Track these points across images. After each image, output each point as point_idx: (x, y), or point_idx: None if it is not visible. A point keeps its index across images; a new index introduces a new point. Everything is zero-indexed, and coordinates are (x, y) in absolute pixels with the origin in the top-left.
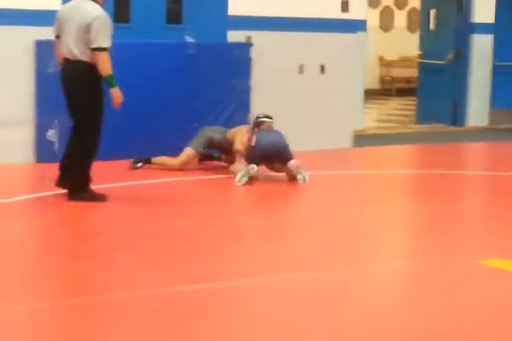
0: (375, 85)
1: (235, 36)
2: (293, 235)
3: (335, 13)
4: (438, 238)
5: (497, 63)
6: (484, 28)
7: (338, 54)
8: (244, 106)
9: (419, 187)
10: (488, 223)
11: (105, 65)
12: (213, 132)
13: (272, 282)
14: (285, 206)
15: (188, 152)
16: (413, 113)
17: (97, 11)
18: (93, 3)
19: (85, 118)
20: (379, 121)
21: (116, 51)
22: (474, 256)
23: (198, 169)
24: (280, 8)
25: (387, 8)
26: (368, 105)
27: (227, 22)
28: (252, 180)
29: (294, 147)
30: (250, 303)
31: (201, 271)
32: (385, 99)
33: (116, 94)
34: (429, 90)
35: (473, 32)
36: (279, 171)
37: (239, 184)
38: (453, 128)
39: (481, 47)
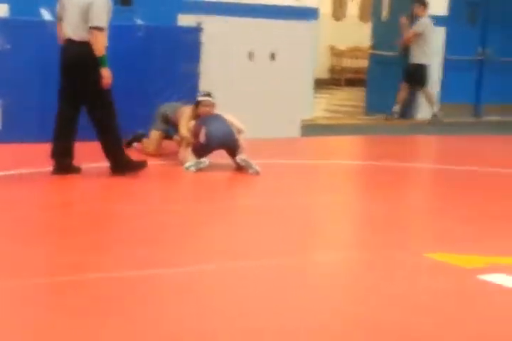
0: (325, 75)
1: (185, 20)
2: (241, 223)
3: (287, 0)
4: (384, 230)
5: (448, 57)
6: (437, 20)
7: (289, 42)
8: (192, 90)
9: (365, 179)
10: (434, 216)
11: (100, 45)
12: (167, 108)
13: (221, 269)
14: (233, 194)
15: (154, 135)
16: (362, 104)
17: None
18: None
19: (100, 95)
20: (327, 111)
21: None
22: (420, 250)
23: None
24: None
25: None
26: (317, 95)
27: (178, 6)
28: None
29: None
30: (198, 289)
31: (148, 256)
32: (335, 89)
33: (106, 73)
34: (379, 81)
35: None
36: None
37: (187, 170)
38: (402, 121)
39: (433, 40)
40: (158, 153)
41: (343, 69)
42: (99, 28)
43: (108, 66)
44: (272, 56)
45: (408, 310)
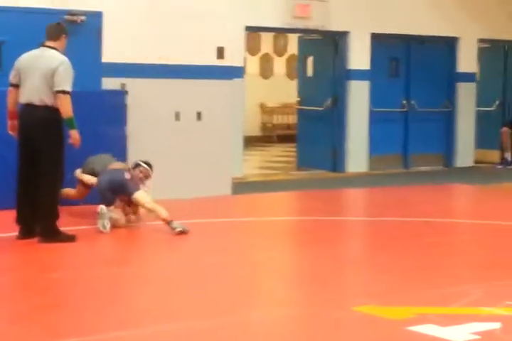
0: (257, 132)
1: (109, 83)
2: (169, 283)
3: (210, 59)
4: (315, 285)
5: (374, 109)
6: (361, 75)
7: (215, 101)
8: (121, 153)
9: (297, 234)
10: (361, 268)
11: (67, 108)
12: (96, 164)
13: (148, 334)
14: (161, 254)
15: (80, 187)
16: (294, 159)
17: (62, 57)
18: (55, 51)
19: (54, 159)
20: (260, 168)
21: None
22: (348, 304)
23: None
24: (154, 55)
25: (266, 55)
26: (249, 152)
27: (101, 69)
28: (118, 225)
29: (172, 194)
30: None
31: (70, 324)
32: (267, 146)
33: (75, 135)
34: (309, 136)
35: (349, 78)
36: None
37: (105, 231)
38: (333, 175)
39: (358, 94)
40: (80, 198)
41: (275, 126)
42: (65, 92)
43: (76, 128)
44: (199, 115)
45: None
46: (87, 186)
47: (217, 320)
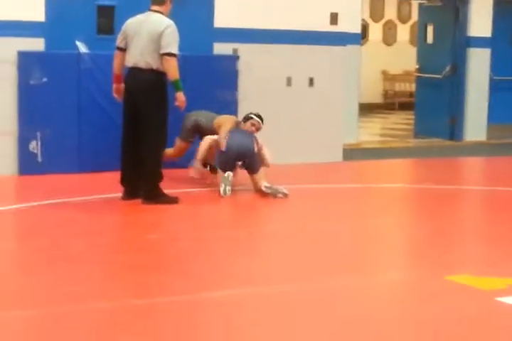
0: (379, 99)
1: (221, 48)
2: (271, 247)
3: (323, 25)
4: (412, 253)
5: (494, 77)
6: (481, 42)
7: (328, 67)
8: None
9: (405, 202)
10: (467, 239)
11: (174, 70)
12: (198, 116)
13: (243, 295)
14: (265, 218)
15: (179, 144)
16: (413, 127)
17: (168, 20)
18: (161, 14)
19: (158, 122)
20: (378, 135)
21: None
22: (442, 272)
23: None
24: (266, 20)
25: (390, 21)
26: (370, 119)
27: (213, 34)
28: (235, 192)
29: (281, 159)
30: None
31: (159, 284)
32: (389, 113)
33: (181, 98)
34: (427, 104)
35: (469, 46)
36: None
37: (225, 196)
38: (450, 143)
39: (479, 62)
40: (178, 156)
41: (396, 94)
42: (171, 55)
43: (183, 90)
44: (311, 81)
45: (432, 335)
46: (186, 143)
47: (315, 284)
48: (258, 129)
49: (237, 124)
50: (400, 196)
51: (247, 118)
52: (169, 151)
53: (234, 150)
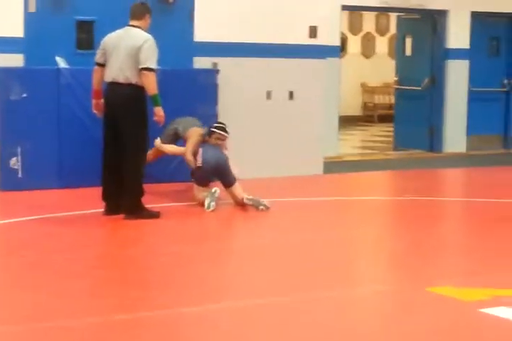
0: (358, 112)
1: (201, 62)
2: (253, 260)
3: (303, 38)
4: (393, 264)
5: (473, 89)
6: (460, 54)
7: (308, 80)
8: None
9: (385, 214)
10: (447, 250)
11: (153, 85)
12: (179, 124)
13: (229, 309)
14: (246, 231)
15: (156, 143)
16: (392, 139)
17: (146, 35)
18: (139, 29)
19: (138, 136)
20: (357, 147)
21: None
22: (423, 284)
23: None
24: (246, 34)
25: (368, 34)
26: (349, 131)
27: (193, 48)
28: (219, 206)
29: (262, 173)
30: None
31: (142, 299)
32: (368, 126)
33: (160, 112)
34: (406, 116)
35: (448, 58)
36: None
37: (209, 210)
38: (430, 154)
39: (457, 73)
40: (157, 157)
41: (376, 106)
42: (150, 69)
43: (161, 105)
44: (291, 95)
45: None
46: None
47: (296, 296)
48: (225, 140)
49: (203, 137)
50: (380, 208)
51: (210, 133)
52: (149, 155)
53: (212, 164)
